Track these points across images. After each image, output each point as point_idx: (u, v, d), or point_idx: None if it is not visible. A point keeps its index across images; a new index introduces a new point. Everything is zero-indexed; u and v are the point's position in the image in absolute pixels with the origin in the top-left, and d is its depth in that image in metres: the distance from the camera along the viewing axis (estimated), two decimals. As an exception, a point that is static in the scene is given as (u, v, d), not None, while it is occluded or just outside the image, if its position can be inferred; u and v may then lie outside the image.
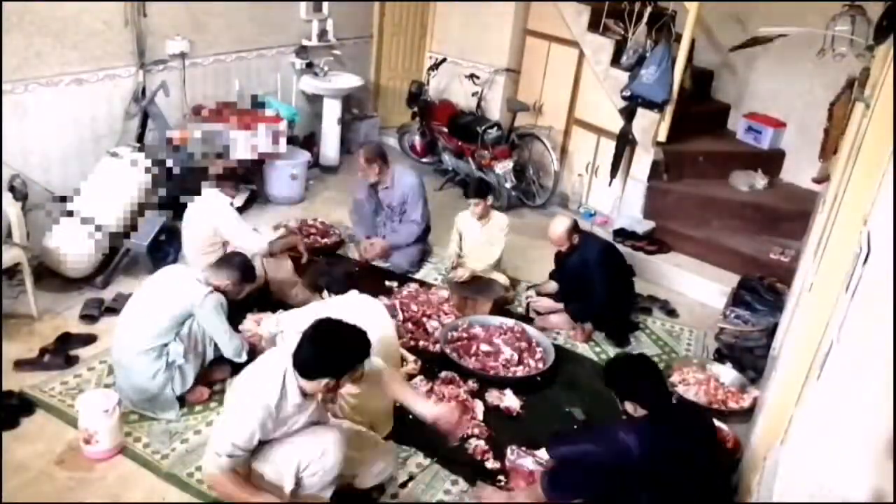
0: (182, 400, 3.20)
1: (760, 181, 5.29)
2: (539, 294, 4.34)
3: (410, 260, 4.69)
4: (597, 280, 3.96)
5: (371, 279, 4.45)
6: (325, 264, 3.86)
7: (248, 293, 3.65)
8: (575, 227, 4.03)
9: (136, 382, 3.08)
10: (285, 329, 3.26)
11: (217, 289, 3.20)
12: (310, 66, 5.87)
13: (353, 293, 3.34)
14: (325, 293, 3.37)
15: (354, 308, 3.13)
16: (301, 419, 2.54)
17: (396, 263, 4.64)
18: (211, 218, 3.89)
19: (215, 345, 3.24)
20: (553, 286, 4.30)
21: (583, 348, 4.05)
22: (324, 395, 2.51)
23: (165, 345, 3.08)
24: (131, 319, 3.14)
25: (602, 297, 3.97)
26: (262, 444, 2.50)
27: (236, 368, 3.43)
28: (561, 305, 4.16)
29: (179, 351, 3.10)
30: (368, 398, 3.00)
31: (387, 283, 4.48)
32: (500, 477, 3.02)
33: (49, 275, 3.98)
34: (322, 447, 2.53)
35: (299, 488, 2.54)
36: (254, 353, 3.50)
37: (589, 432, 2.88)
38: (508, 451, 3.12)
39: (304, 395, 2.48)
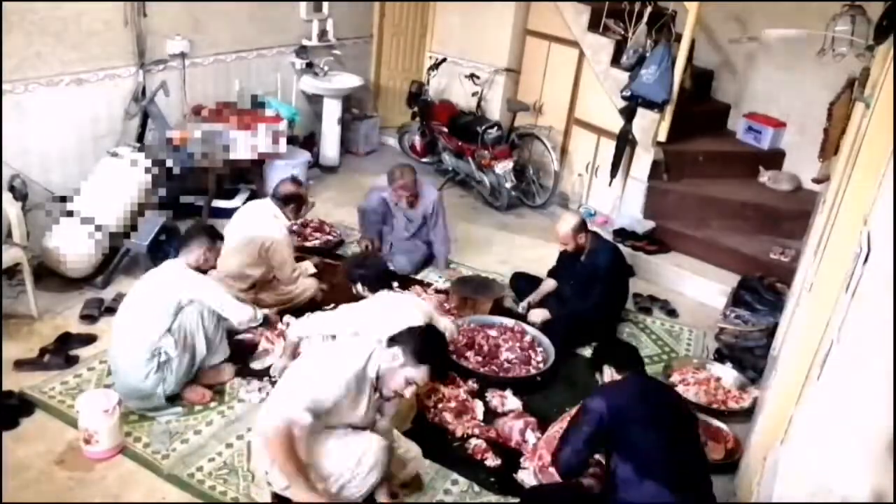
0: (174, 401, 3.20)
1: (786, 184, 5.31)
2: (532, 305, 4.21)
3: (414, 262, 4.69)
4: (599, 291, 3.97)
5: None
6: (360, 259, 3.84)
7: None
8: (582, 227, 4.02)
9: (130, 384, 3.08)
10: (312, 333, 3.28)
11: (199, 269, 3.21)
12: (310, 66, 5.87)
13: (385, 293, 3.37)
14: (360, 287, 3.40)
15: (389, 309, 3.14)
16: (359, 411, 2.56)
17: (400, 266, 4.62)
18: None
19: (206, 341, 3.23)
20: (550, 285, 4.27)
21: (583, 348, 4.04)
22: (398, 391, 2.56)
23: (159, 345, 3.08)
24: (125, 321, 3.15)
25: (595, 308, 4.00)
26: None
27: (239, 371, 3.46)
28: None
29: (170, 344, 3.09)
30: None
31: (387, 283, 4.47)
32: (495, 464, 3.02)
33: (49, 275, 3.98)
34: (358, 456, 2.52)
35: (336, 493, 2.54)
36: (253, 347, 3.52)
37: (571, 421, 2.92)
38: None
39: (375, 387, 2.55)
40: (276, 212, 3.96)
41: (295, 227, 4.86)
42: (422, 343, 2.54)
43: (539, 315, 4.08)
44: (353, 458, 2.51)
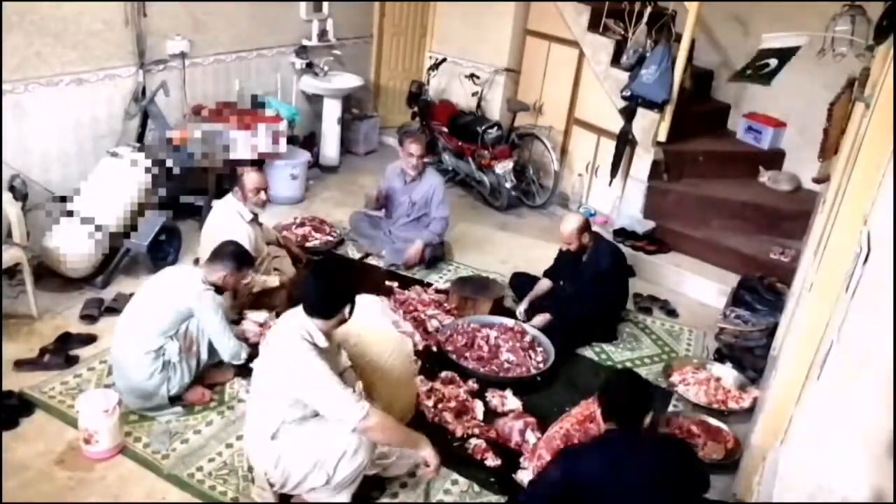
0: (176, 402, 3.20)
1: (786, 184, 5.31)
2: (529, 309, 4.17)
3: (403, 256, 4.66)
4: (599, 291, 3.99)
5: (371, 279, 4.46)
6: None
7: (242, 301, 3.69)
8: (586, 227, 4.03)
9: (133, 383, 3.08)
10: None
11: (215, 286, 3.19)
12: (310, 66, 5.88)
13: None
14: None
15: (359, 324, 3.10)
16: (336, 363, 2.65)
17: (388, 260, 4.64)
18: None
19: (209, 347, 3.23)
20: (546, 285, 4.26)
21: (583, 348, 4.04)
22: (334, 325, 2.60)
23: (163, 346, 3.08)
24: (132, 319, 3.14)
25: (595, 308, 4.02)
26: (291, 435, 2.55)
27: (240, 371, 3.45)
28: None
29: (175, 349, 3.10)
30: (394, 388, 3.03)
31: (387, 283, 4.47)
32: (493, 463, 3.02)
33: (49, 275, 3.98)
34: (344, 448, 2.52)
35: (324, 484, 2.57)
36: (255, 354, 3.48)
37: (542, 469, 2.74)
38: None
39: (328, 337, 2.57)
40: (238, 207, 3.86)
41: (296, 226, 4.89)
42: (312, 297, 2.57)
43: (540, 320, 4.06)
44: (338, 445, 2.52)
